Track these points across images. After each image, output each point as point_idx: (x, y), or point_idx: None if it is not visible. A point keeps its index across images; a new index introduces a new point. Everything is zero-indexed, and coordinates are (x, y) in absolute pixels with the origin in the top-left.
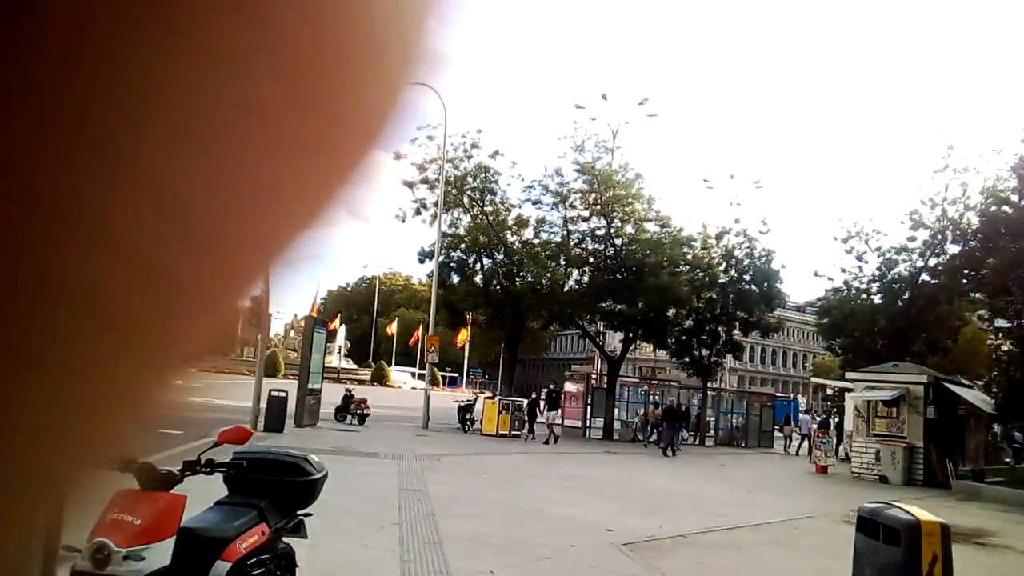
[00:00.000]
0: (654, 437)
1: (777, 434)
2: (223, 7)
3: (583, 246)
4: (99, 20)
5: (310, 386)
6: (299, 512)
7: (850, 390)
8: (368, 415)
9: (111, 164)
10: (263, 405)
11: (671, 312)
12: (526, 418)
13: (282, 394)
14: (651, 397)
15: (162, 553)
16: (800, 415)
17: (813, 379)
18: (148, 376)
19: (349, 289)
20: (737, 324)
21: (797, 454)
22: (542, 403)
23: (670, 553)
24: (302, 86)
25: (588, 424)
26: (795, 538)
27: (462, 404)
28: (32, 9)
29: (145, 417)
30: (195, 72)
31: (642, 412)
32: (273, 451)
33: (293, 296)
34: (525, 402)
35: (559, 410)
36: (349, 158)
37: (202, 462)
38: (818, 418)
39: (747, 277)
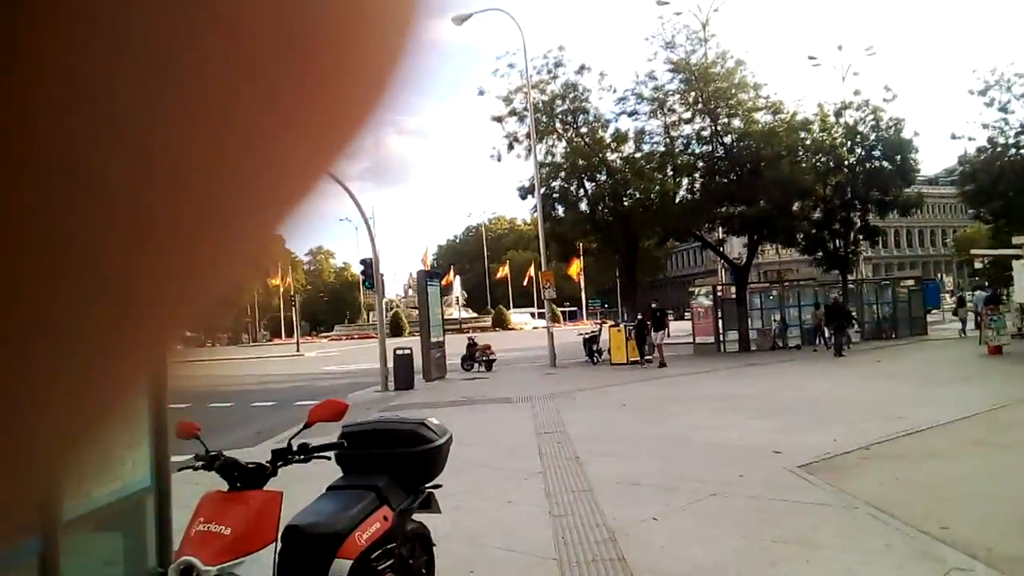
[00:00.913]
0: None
1: (951, 318)
2: None
3: (689, 151)
4: None
5: (433, 339)
6: (426, 486)
7: (1019, 256)
8: (495, 360)
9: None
10: (390, 365)
11: (796, 206)
12: (634, 343)
13: (407, 351)
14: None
15: (262, 564)
16: (973, 293)
17: (973, 251)
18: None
19: (458, 241)
20: (871, 207)
21: (964, 334)
22: (649, 324)
23: (855, 471)
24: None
25: (722, 338)
26: (996, 434)
27: (587, 336)
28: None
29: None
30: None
31: (778, 317)
32: (384, 420)
33: (404, 257)
34: (631, 327)
35: (665, 330)
36: (376, 86)
37: (294, 448)
38: (983, 294)
39: (876, 153)
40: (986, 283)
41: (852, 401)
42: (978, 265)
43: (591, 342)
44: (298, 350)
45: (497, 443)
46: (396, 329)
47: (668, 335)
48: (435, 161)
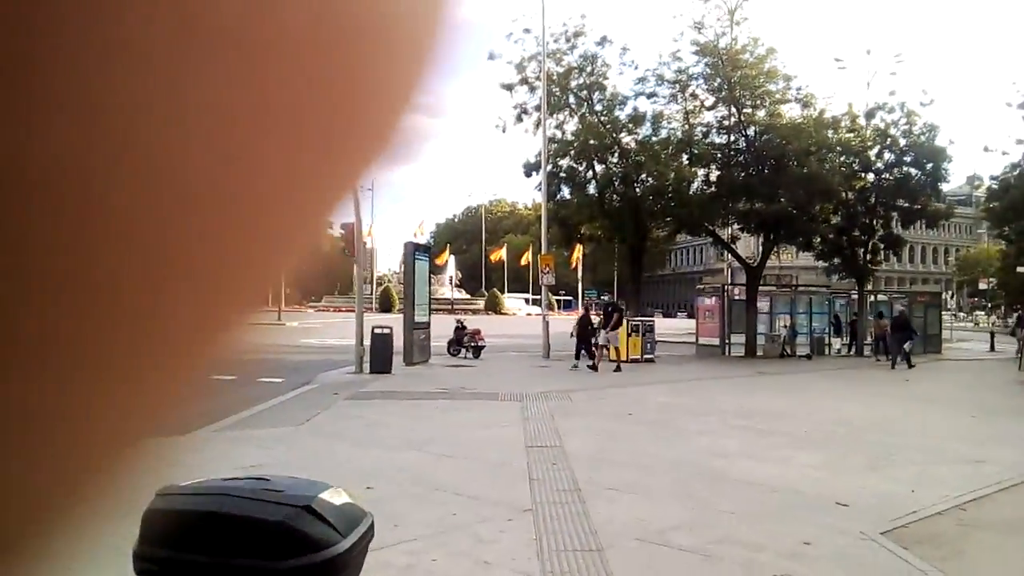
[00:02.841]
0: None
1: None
2: None
3: (709, 140)
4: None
5: (418, 319)
6: None
7: None
8: (484, 347)
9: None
10: (368, 343)
11: (817, 207)
12: (574, 339)
13: (386, 330)
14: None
15: None
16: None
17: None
18: (213, 322)
19: (456, 220)
20: (896, 215)
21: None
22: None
23: (963, 545)
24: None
25: (727, 341)
26: None
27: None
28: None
29: (209, 367)
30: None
31: (788, 323)
32: (235, 488)
33: (400, 229)
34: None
35: (615, 330)
36: (407, 80)
37: None
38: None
39: (907, 159)
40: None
41: (902, 430)
42: (983, 286)
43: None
44: (279, 319)
45: (477, 456)
46: (385, 305)
47: (615, 338)
48: (447, 139)
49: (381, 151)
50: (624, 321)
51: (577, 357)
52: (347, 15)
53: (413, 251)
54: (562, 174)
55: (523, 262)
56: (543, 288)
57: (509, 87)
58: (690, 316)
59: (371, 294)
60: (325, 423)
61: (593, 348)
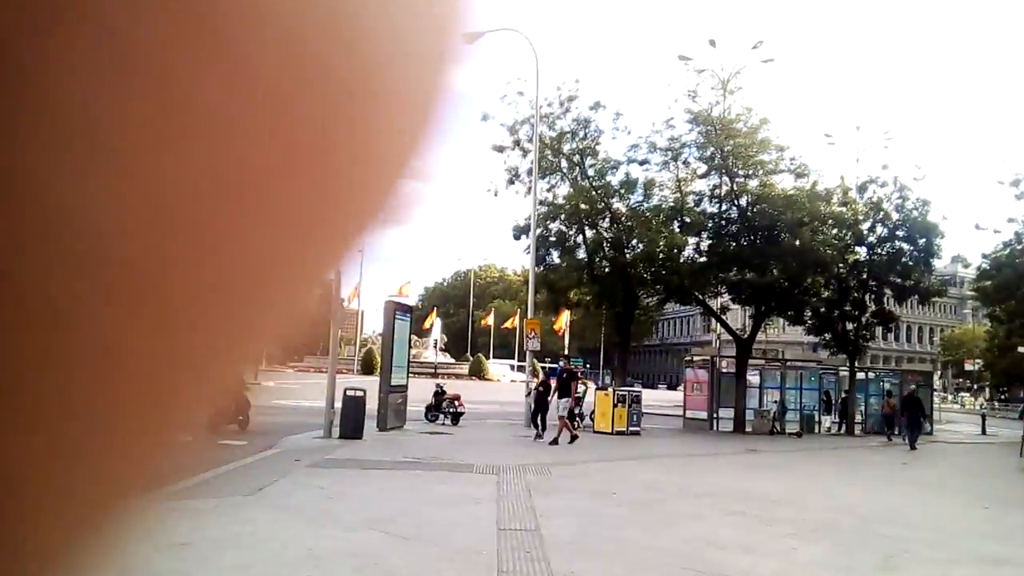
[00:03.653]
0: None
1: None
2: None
3: (700, 208)
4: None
5: (395, 381)
6: None
7: None
8: (463, 413)
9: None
10: (339, 406)
11: (808, 280)
12: (532, 407)
13: (358, 393)
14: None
15: None
16: None
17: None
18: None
19: (445, 284)
20: (888, 290)
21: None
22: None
23: None
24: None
25: (715, 415)
26: None
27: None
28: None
29: (195, 426)
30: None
31: (777, 399)
32: None
33: (389, 291)
34: (532, 385)
35: (568, 399)
36: (410, 140)
37: None
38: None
39: (900, 233)
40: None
41: (913, 522)
42: (969, 367)
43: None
44: (255, 378)
45: (442, 540)
46: (368, 367)
47: (576, 407)
48: (438, 203)
49: (375, 217)
50: (580, 388)
51: (534, 426)
52: (341, 81)
53: (394, 310)
54: (552, 237)
55: (509, 325)
56: (528, 353)
57: (501, 149)
58: (671, 388)
59: (355, 356)
60: (279, 494)
61: (559, 420)
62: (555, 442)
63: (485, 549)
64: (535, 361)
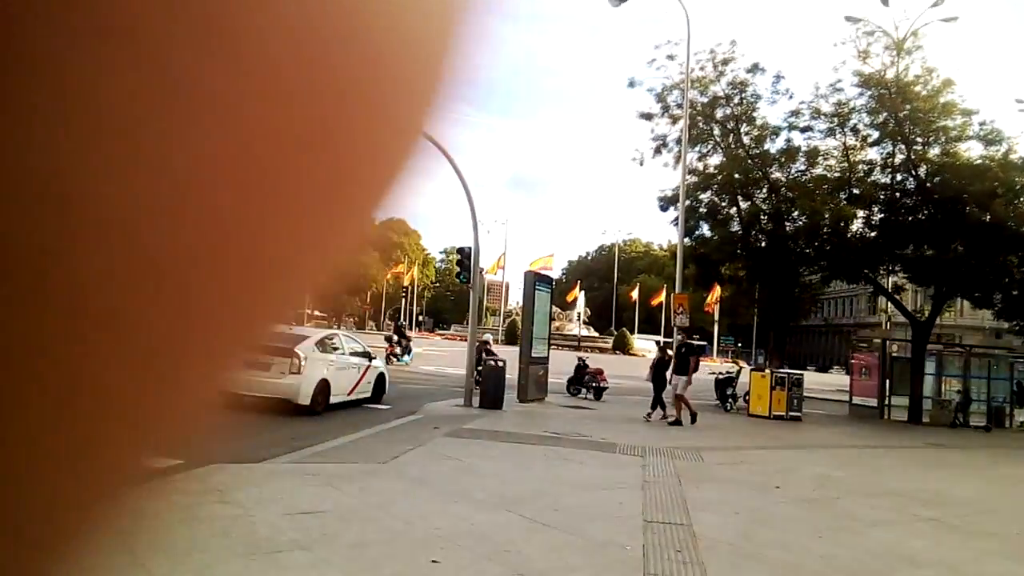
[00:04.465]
0: None
1: None
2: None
3: (871, 179)
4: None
5: (535, 353)
6: None
7: None
8: (606, 388)
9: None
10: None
11: (1001, 258)
12: (650, 383)
13: (499, 362)
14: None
15: None
16: None
17: None
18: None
19: (589, 258)
20: None
21: None
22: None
23: None
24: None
25: (887, 402)
26: None
27: (720, 376)
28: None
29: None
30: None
31: (960, 388)
32: None
33: (528, 263)
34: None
35: (686, 376)
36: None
37: None
38: None
39: None
40: None
41: None
42: None
43: (725, 384)
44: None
45: (580, 529)
46: (512, 338)
47: (688, 383)
48: (577, 173)
49: (397, 178)
50: (699, 365)
51: (652, 407)
52: (363, 28)
53: (534, 281)
54: (702, 209)
55: (655, 302)
56: (675, 330)
57: (648, 116)
58: (820, 370)
59: (499, 327)
60: (413, 463)
61: (675, 398)
62: (677, 422)
63: (630, 545)
64: (683, 336)
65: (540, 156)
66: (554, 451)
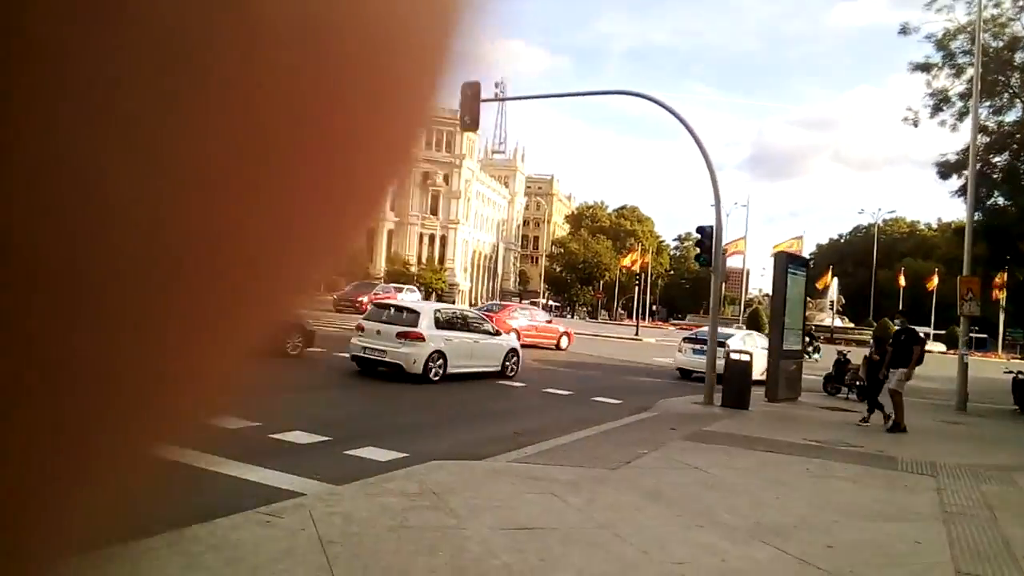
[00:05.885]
0: None
1: None
2: None
3: None
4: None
5: (787, 346)
6: None
7: None
8: None
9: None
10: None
11: None
12: (863, 381)
13: (744, 357)
14: None
15: None
16: None
17: None
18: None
19: (842, 240)
20: None
21: None
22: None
23: None
24: None
25: None
26: None
27: (1021, 377)
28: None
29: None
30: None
31: None
32: None
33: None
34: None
35: (905, 368)
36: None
37: None
38: None
39: None
40: None
41: None
42: None
43: None
44: (636, 334)
45: None
46: (753, 327)
47: (908, 377)
48: (827, 147)
49: (409, 155)
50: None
51: (870, 410)
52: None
53: (785, 263)
54: (995, 175)
55: (931, 286)
56: (962, 319)
57: (926, 68)
58: None
59: (739, 316)
60: (647, 471)
61: (892, 395)
62: (897, 427)
63: None
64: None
65: (785, 133)
66: (817, 464)
